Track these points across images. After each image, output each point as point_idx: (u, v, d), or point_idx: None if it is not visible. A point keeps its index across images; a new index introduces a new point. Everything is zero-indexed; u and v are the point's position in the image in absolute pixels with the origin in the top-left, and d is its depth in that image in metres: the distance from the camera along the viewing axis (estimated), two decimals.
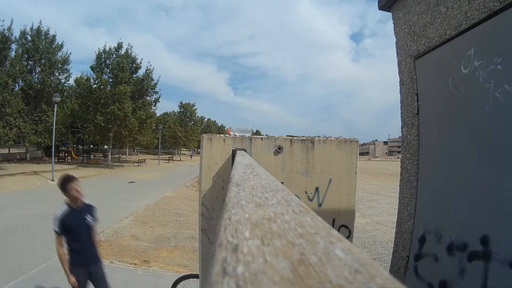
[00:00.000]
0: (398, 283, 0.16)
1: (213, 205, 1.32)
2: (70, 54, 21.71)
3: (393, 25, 2.33)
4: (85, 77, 21.52)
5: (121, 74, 21.34)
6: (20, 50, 18.86)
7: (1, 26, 16.84)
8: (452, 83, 1.68)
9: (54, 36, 20.77)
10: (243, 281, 0.15)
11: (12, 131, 16.68)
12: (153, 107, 25.91)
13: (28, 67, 19.13)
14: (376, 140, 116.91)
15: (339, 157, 1.39)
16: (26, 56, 19.10)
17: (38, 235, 5.62)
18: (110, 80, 21.78)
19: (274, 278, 0.16)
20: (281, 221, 0.25)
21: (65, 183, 2.66)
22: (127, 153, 38.23)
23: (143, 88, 23.48)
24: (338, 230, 1.37)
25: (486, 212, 1.43)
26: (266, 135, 1.48)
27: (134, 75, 23.24)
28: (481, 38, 1.48)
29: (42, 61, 19.77)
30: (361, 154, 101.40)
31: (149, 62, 32.39)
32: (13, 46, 18.11)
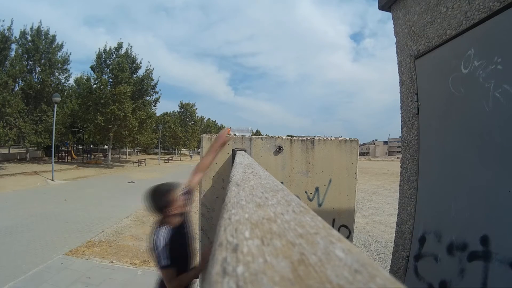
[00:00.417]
0: (398, 283, 0.16)
1: (213, 205, 1.32)
2: (70, 54, 21.72)
3: (393, 25, 2.33)
4: (85, 77, 21.52)
5: (121, 74, 21.34)
6: (20, 50, 18.85)
7: (1, 26, 16.86)
8: (452, 83, 1.68)
9: (54, 36, 20.77)
10: (243, 281, 0.15)
11: (12, 131, 16.68)
12: (153, 107, 25.90)
13: (28, 67, 19.12)
14: (376, 140, 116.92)
15: (339, 157, 1.39)
16: (26, 56, 19.09)
17: (38, 235, 5.62)
18: (110, 80, 21.78)
19: (274, 278, 0.16)
20: (281, 221, 0.25)
21: (167, 195, 1.69)
22: (127, 153, 38.23)
23: (143, 88, 23.48)
24: (338, 230, 1.37)
25: (486, 212, 1.43)
26: (266, 135, 1.48)
27: (134, 75, 23.24)
28: (481, 38, 1.48)
29: (42, 61, 19.76)
30: (361, 154, 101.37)
31: (149, 62, 32.38)
32: (13, 46, 18.11)
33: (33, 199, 9.09)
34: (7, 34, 17.11)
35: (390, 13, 2.35)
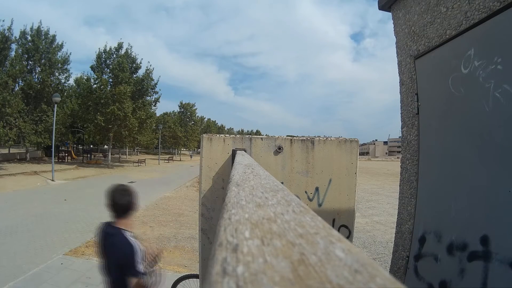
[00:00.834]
0: (398, 283, 0.16)
1: (213, 205, 1.32)
2: (70, 54, 21.73)
3: (393, 25, 2.33)
4: (85, 77, 21.53)
5: (121, 74, 21.35)
6: (20, 50, 18.86)
7: (1, 26, 16.86)
8: (452, 83, 1.68)
9: (54, 36, 20.78)
10: (243, 281, 0.15)
11: (12, 131, 16.68)
12: (153, 107, 25.92)
13: (28, 67, 19.12)
14: (376, 140, 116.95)
15: (339, 157, 1.39)
16: (26, 56, 19.10)
17: (38, 235, 5.62)
18: (110, 80, 21.79)
19: (274, 278, 0.16)
20: (281, 221, 0.25)
21: (134, 198, 1.84)
22: (127, 153, 38.23)
23: (143, 88, 23.49)
24: (338, 230, 1.37)
25: (486, 212, 1.43)
26: (266, 135, 1.48)
27: (134, 75, 23.25)
28: (481, 38, 1.48)
29: (42, 61, 19.77)
30: (361, 154, 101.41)
31: (149, 62, 32.43)
32: (13, 46, 18.12)
33: (33, 199, 9.09)
34: (7, 34, 17.12)
35: (390, 13, 2.35)
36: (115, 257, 1.72)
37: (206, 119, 62.48)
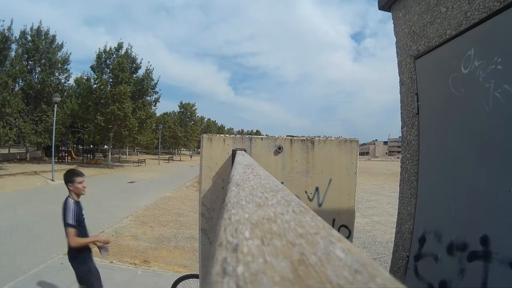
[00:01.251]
0: (398, 283, 0.16)
1: (213, 205, 1.32)
2: (70, 54, 21.73)
3: (393, 25, 2.33)
4: (85, 77, 21.52)
5: (121, 74, 21.34)
6: (20, 50, 18.86)
7: (1, 26, 16.85)
8: (452, 83, 1.68)
9: (54, 36, 20.77)
10: (243, 281, 0.15)
11: (12, 131, 16.68)
12: (153, 107, 25.91)
13: (28, 67, 19.12)
14: (376, 140, 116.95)
15: (339, 157, 1.39)
16: (26, 56, 19.10)
17: (38, 235, 5.62)
18: (110, 80, 21.78)
19: (274, 278, 0.16)
20: (281, 221, 0.25)
21: (74, 176, 2.68)
22: (127, 153, 38.23)
23: (143, 88, 23.48)
24: (338, 230, 1.37)
25: (486, 212, 1.43)
26: (266, 135, 1.48)
27: (134, 75, 23.24)
28: (481, 38, 1.48)
29: (42, 61, 19.76)
30: (361, 154, 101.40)
31: (149, 62, 32.39)
32: (13, 46, 18.11)
33: (33, 199, 9.09)
34: (7, 34, 17.11)
35: (390, 13, 2.35)
36: (62, 215, 2.64)
37: (206, 119, 62.49)
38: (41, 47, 19.61)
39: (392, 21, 2.34)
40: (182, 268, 4.53)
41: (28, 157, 20.42)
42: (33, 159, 21.02)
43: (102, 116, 20.82)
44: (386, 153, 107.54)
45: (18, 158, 20.42)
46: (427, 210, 1.93)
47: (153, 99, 25.27)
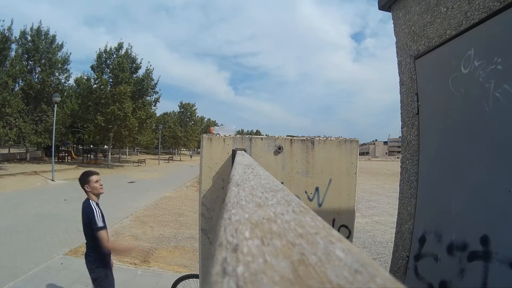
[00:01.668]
0: (398, 283, 0.16)
1: (213, 205, 1.32)
2: (70, 54, 21.73)
3: (393, 25, 2.33)
4: (85, 77, 21.53)
5: (121, 74, 21.35)
6: (20, 50, 18.86)
7: (1, 26, 16.85)
8: (452, 83, 1.68)
9: (54, 36, 20.78)
10: (243, 281, 0.15)
11: (12, 131, 16.68)
12: (153, 107, 25.91)
13: (28, 67, 19.12)
14: (376, 140, 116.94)
15: (339, 157, 1.39)
16: (26, 56, 19.10)
17: (38, 235, 5.62)
18: (110, 80, 21.78)
19: (274, 278, 0.16)
20: (281, 221, 0.25)
21: (88, 176, 2.59)
22: (127, 153, 38.24)
23: (143, 88, 23.48)
24: (338, 230, 1.37)
25: (486, 212, 1.43)
26: (266, 135, 1.48)
27: (134, 75, 23.24)
28: (481, 38, 1.48)
29: (42, 61, 19.77)
30: (361, 154, 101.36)
31: (149, 62, 32.40)
32: (13, 46, 18.12)
33: (33, 199, 9.09)
34: (7, 34, 17.11)
35: (390, 13, 2.35)
36: (83, 218, 2.49)
37: (206, 119, 62.49)
38: (41, 47, 19.61)
39: (392, 21, 2.34)
40: (182, 268, 4.53)
41: (28, 157, 20.42)
42: (33, 159, 21.02)
43: (102, 116, 20.82)
44: (386, 153, 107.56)
45: (18, 158, 20.42)
46: (427, 210, 1.93)
47: (153, 99, 25.28)
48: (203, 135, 1.36)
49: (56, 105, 14.89)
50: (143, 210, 8.49)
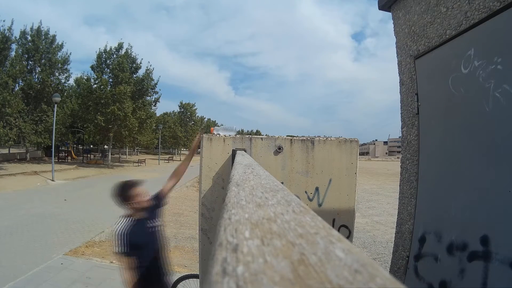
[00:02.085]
0: (398, 283, 0.16)
1: (213, 205, 1.32)
2: (70, 54, 21.73)
3: (393, 25, 2.33)
4: (85, 77, 21.52)
5: (121, 74, 21.34)
6: (20, 50, 18.85)
7: (1, 26, 16.85)
8: (452, 83, 1.68)
9: (54, 36, 20.77)
10: (243, 281, 0.15)
11: (12, 131, 16.67)
12: (153, 107, 25.91)
13: (28, 67, 19.12)
14: (376, 140, 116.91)
15: (339, 157, 1.39)
16: (26, 56, 19.09)
17: (38, 235, 5.62)
18: (110, 80, 21.78)
19: (274, 278, 0.16)
20: (281, 221, 0.25)
21: (128, 190, 1.99)
22: (127, 153, 38.23)
23: (143, 88, 23.47)
24: (338, 230, 1.37)
25: (486, 212, 1.43)
26: (266, 135, 1.48)
27: (134, 75, 23.24)
28: (481, 38, 1.48)
29: (42, 61, 19.76)
30: (361, 154, 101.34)
31: (149, 62, 32.40)
32: (13, 46, 18.11)
33: (33, 199, 9.08)
34: (7, 34, 17.09)
35: (390, 13, 2.35)
36: None
37: (206, 119, 62.50)
38: (41, 47, 19.61)
39: (392, 21, 2.34)
40: (182, 268, 4.52)
41: (28, 157, 20.42)
42: (33, 159, 21.01)
43: (102, 116, 20.82)
44: (386, 153, 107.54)
45: (18, 158, 20.41)
46: (427, 210, 1.93)
47: (153, 99, 25.26)
48: (203, 135, 1.36)
49: (56, 105, 14.89)
50: None
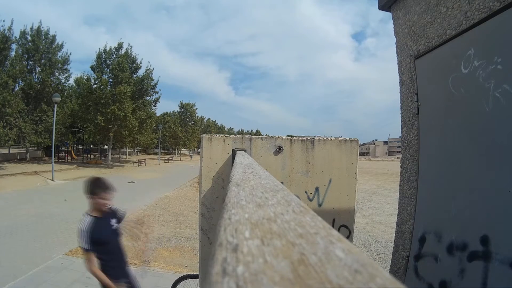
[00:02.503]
0: (398, 283, 0.16)
1: (213, 205, 1.32)
2: (70, 54, 21.73)
3: (393, 25, 2.33)
4: (85, 77, 21.53)
5: (121, 74, 21.35)
6: (20, 50, 18.86)
7: (1, 26, 16.85)
8: (452, 83, 1.68)
9: (54, 36, 20.78)
10: (243, 281, 0.15)
11: (12, 131, 16.68)
12: (153, 107, 25.92)
13: (28, 67, 19.12)
14: (376, 140, 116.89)
15: (339, 157, 1.39)
16: (26, 56, 19.10)
17: (38, 235, 5.62)
18: (110, 80, 21.79)
19: (274, 278, 0.16)
20: (281, 221, 0.25)
21: (97, 188, 2.31)
22: (127, 153, 38.23)
23: (143, 88, 23.48)
24: (338, 230, 1.37)
25: (486, 212, 1.43)
26: (266, 135, 1.48)
27: (134, 75, 23.25)
28: (481, 38, 1.48)
29: (42, 61, 19.77)
30: (361, 154, 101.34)
31: (149, 62, 32.39)
32: (13, 46, 18.11)
33: (33, 199, 9.09)
34: (7, 34, 17.09)
35: (390, 13, 2.35)
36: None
37: (206, 119, 62.49)
38: (41, 47, 19.62)
39: (392, 21, 2.34)
40: (182, 268, 4.53)
41: (28, 157, 20.42)
42: (33, 159, 21.01)
43: (102, 116, 20.83)
44: (386, 153, 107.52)
45: (18, 158, 20.41)
46: (427, 210, 1.93)
47: (153, 99, 25.27)
48: (203, 135, 1.36)
49: (56, 105, 14.90)
50: (143, 210, 8.48)
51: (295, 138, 1.40)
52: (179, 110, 48.05)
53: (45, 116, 19.17)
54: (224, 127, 75.84)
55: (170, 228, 6.84)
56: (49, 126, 18.36)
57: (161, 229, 6.72)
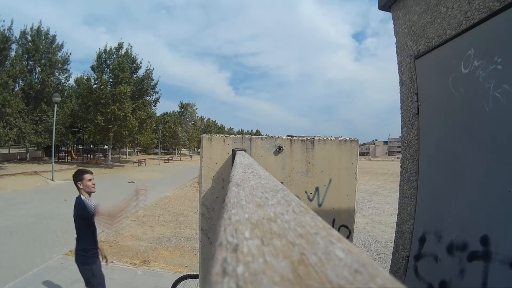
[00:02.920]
0: (398, 283, 0.16)
1: (213, 205, 1.32)
2: (70, 54, 21.73)
3: (393, 25, 2.33)
4: (86, 77, 21.54)
5: (121, 74, 21.36)
6: (20, 50, 18.86)
7: (1, 26, 16.85)
8: (452, 83, 1.68)
9: (54, 36, 20.78)
10: (243, 281, 0.15)
11: (12, 131, 16.68)
12: (153, 107, 25.92)
13: (28, 67, 19.12)
14: (376, 140, 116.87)
15: (339, 157, 1.39)
16: (26, 56, 19.10)
17: (38, 235, 5.62)
18: (110, 80, 21.80)
19: (274, 278, 0.16)
20: (281, 221, 0.25)
21: (82, 174, 2.78)
22: (127, 153, 38.24)
23: (143, 88, 23.48)
24: (338, 230, 1.37)
25: (486, 212, 1.43)
26: (266, 135, 1.48)
27: (134, 75, 23.25)
28: (481, 38, 1.48)
29: (42, 61, 19.77)
30: (361, 154, 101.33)
31: (149, 62, 32.37)
32: (13, 46, 18.11)
33: (33, 199, 9.09)
34: (7, 34, 17.09)
35: (390, 13, 2.35)
36: (75, 212, 2.72)
37: (206, 119, 62.50)
38: (41, 47, 19.61)
39: (392, 21, 2.34)
40: (182, 268, 4.53)
41: (28, 157, 20.42)
42: (33, 159, 21.01)
43: (102, 116, 20.83)
44: (386, 153, 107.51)
45: (18, 158, 20.41)
46: (427, 210, 1.93)
47: (153, 99, 25.28)
48: (203, 135, 1.36)
49: (56, 105, 14.90)
50: (143, 210, 8.48)
51: (295, 138, 1.40)
52: (179, 110, 48.09)
53: (45, 116, 19.17)
54: (224, 127, 75.85)
55: (170, 228, 6.85)
56: (49, 126, 18.36)
57: (161, 229, 6.72)
